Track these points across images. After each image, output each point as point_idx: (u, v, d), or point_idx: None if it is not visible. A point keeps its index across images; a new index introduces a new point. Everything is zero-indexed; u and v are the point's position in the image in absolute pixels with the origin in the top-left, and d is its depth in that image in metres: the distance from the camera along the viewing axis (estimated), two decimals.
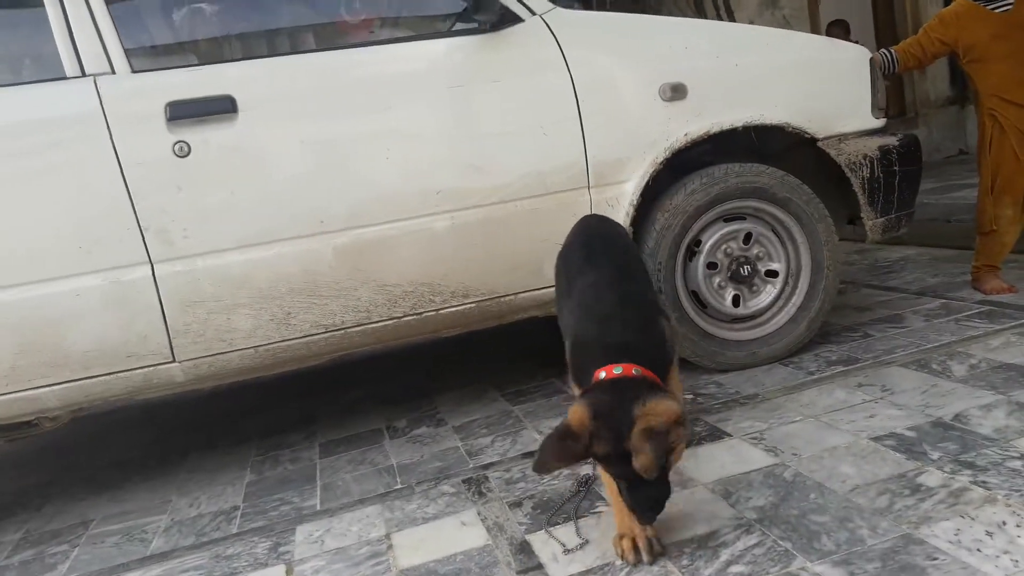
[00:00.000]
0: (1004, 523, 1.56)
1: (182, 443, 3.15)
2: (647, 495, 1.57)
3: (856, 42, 3.23)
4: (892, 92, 8.57)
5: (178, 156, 2.33)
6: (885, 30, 8.49)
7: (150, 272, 2.34)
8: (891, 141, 2.93)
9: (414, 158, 2.50)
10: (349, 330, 2.53)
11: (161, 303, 2.36)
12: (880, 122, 2.98)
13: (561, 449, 1.55)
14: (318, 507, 2.26)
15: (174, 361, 2.41)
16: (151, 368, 2.40)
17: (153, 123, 2.32)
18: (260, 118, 2.40)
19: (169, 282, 2.36)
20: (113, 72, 2.33)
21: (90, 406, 2.61)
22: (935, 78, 8.49)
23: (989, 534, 1.54)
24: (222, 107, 2.35)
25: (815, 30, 7.51)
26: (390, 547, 1.93)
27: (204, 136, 2.35)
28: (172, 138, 2.33)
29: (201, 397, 3.92)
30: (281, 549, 2.02)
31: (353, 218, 2.46)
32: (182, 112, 2.33)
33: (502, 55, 2.57)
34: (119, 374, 2.38)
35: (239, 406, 3.66)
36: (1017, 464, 1.79)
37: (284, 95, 2.45)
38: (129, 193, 2.31)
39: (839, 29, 7.07)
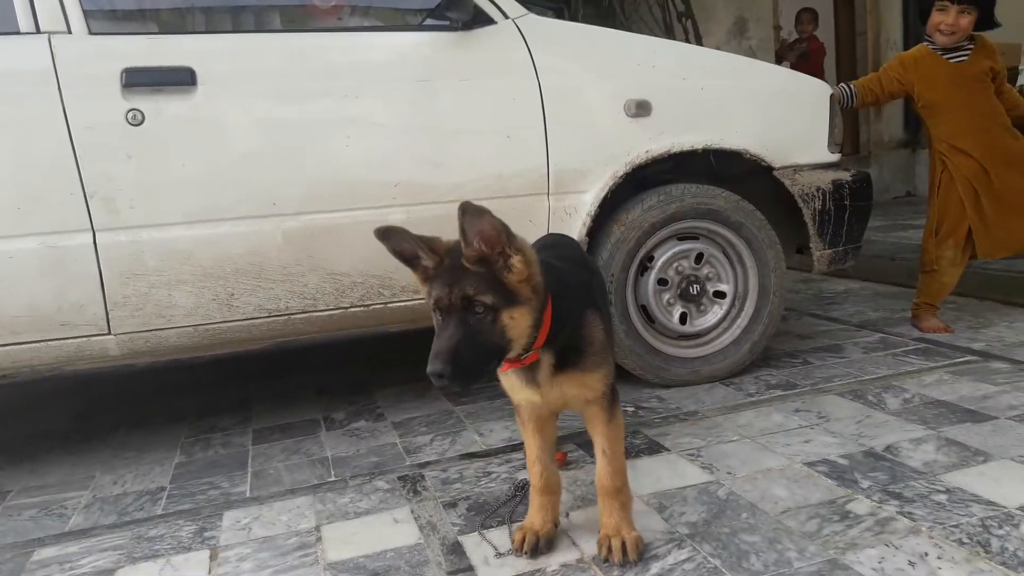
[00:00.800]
0: (926, 554, 1.60)
1: (111, 419, 3.05)
2: (443, 336, 1.43)
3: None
4: (847, 130, 8.72)
5: (131, 124, 2.27)
6: (846, 49, 8.72)
7: (91, 240, 2.27)
8: (844, 176, 3.00)
9: (374, 148, 2.47)
10: (293, 316, 2.48)
11: (101, 273, 2.29)
12: (835, 156, 3.05)
13: (408, 242, 1.50)
14: (248, 494, 2.21)
15: (109, 333, 2.34)
16: (85, 339, 2.32)
17: (107, 87, 2.25)
18: (219, 93, 2.35)
19: (111, 252, 2.29)
20: (69, 32, 2.26)
21: (16, 373, 2.51)
22: (889, 120, 8.73)
23: (911, 564, 1.57)
24: (180, 78, 2.30)
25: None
26: (319, 539, 1.89)
27: (159, 106, 2.29)
28: (126, 105, 2.26)
29: (134, 372, 3.81)
30: (207, 534, 1.97)
31: (307, 203, 2.42)
32: (138, 79, 2.26)
33: (472, 55, 2.56)
34: (50, 342, 2.29)
35: (173, 385, 3.56)
36: (942, 498, 1.83)
37: (247, 72, 2.40)
38: (76, 157, 2.23)
39: (808, 15, 7.24)
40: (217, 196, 2.36)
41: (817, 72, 6.78)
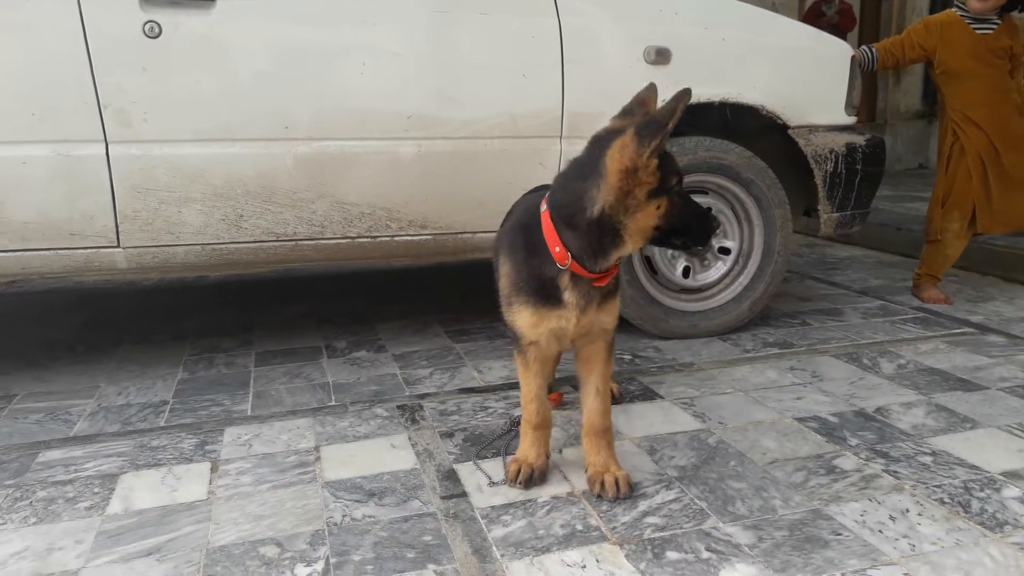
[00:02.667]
0: (907, 510, 1.65)
1: (116, 333, 3.09)
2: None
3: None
4: (865, 97, 8.69)
5: (148, 36, 2.25)
6: (871, 12, 8.59)
7: (104, 151, 2.27)
8: (859, 140, 2.98)
9: (389, 78, 2.45)
10: (300, 242, 2.50)
11: (112, 185, 2.29)
12: (851, 119, 3.04)
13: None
14: (249, 412, 2.25)
15: (118, 246, 2.35)
16: (94, 250, 2.34)
17: None
18: (239, 11, 2.32)
19: (123, 164, 2.29)
20: None
21: (26, 280, 2.54)
22: (908, 90, 8.64)
23: (892, 518, 1.62)
24: None
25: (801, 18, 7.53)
26: (318, 459, 1.94)
27: (177, 20, 2.27)
28: (144, 16, 2.24)
29: (139, 291, 3.84)
30: (208, 447, 2.02)
31: (319, 129, 2.41)
32: None
33: None
34: (60, 251, 2.31)
35: (177, 305, 3.59)
36: (927, 459, 1.88)
37: None
38: (92, 66, 2.22)
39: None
40: (230, 116, 2.35)
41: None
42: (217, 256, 2.47)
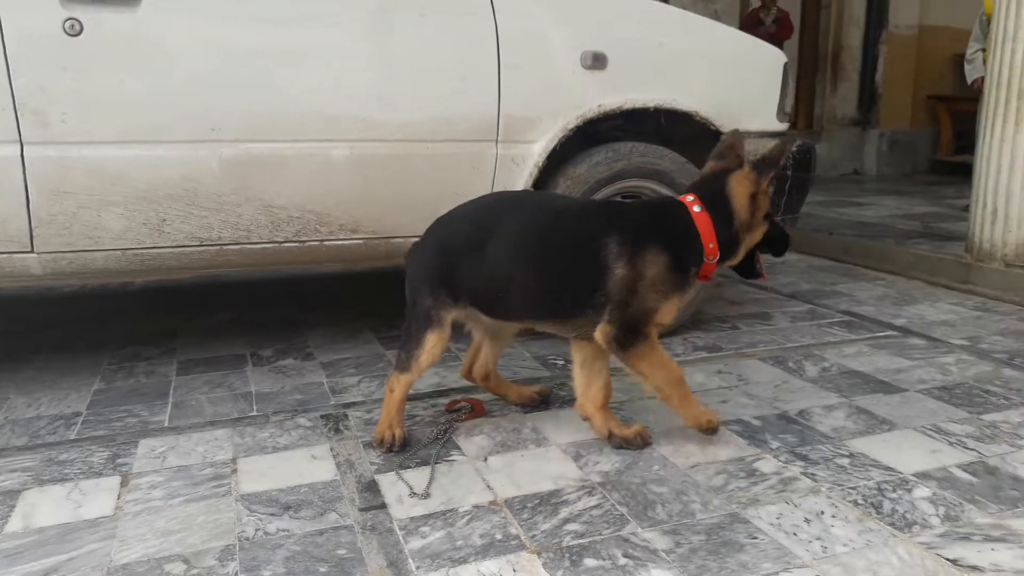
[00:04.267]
0: (822, 512, 1.67)
1: (31, 341, 2.98)
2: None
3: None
4: (803, 104, 8.91)
5: (68, 34, 2.17)
6: (811, 20, 8.78)
7: (19, 152, 2.18)
8: None
9: (321, 79, 2.41)
10: (226, 247, 2.44)
11: (27, 188, 2.21)
12: (783, 126, 3.09)
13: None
14: (166, 423, 2.19)
15: (32, 251, 2.27)
16: (6, 255, 2.25)
17: None
18: (164, 10, 2.26)
19: (39, 167, 2.21)
20: None
21: None
22: (844, 97, 8.86)
23: (807, 521, 1.64)
24: None
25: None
26: (235, 471, 1.89)
27: (99, 18, 2.19)
28: (64, 14, 2.16)
29: (58, 297, 3.72)
30: (120, 460, 1.95)
31: (246, 130, 2.36)
32: None
33: None
34: None
35: (99, 312, 3.48)
36: (845, 462, 1.91)
37: None
38: (7, 64, 2.13)
39: None
40: (154, 117, 2.28)
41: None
42: (138, 262, 2.40)
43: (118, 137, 2.27)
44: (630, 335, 1.91)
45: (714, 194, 1.98)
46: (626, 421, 2.14)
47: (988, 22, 5.22)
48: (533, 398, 2.28)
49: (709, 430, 2.01)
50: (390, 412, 2.02)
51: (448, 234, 2.03)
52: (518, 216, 1.99)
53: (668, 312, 1.95)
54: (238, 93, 2.34)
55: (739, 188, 1.95)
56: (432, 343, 1.97)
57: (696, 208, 1.96)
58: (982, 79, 5.39)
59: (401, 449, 1.99)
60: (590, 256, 1.90)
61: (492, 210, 2.04)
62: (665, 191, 2.85)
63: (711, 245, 1.95)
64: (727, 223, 1.96)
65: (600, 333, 1.93)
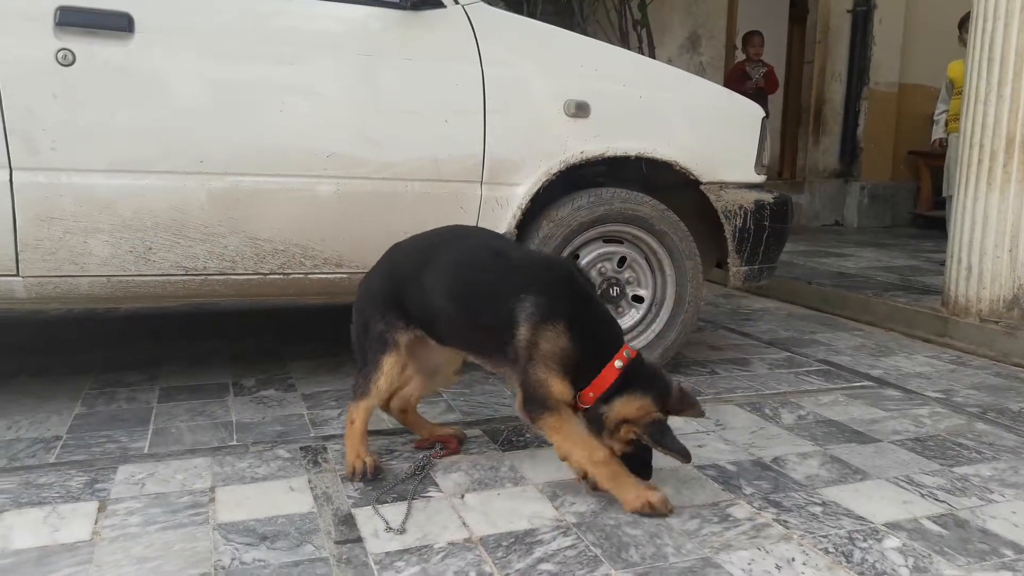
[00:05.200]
0: (793, 559, 1.69)
1: (13, 364, 2.97)
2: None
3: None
4: (787, 156, 9.09)
5: (60, 64, 2.21)
6: (795, 75, 8.98)
7: (7, 178, 2.21)
8: (767, 197, 3.11)
9: (309, 116, 2.47)
10: (210, 277, 2.46)
11: (14, 212, 2.23)
12: (761, 178, 3.16)
13: None
14: (146, 450, 2.19)
15: (17, 275, 2.28)
16: None
17: (39, 23, 2.19)
18: (157, 44, 2.31)
19: (27, 192, 2.23)
20: None
21: None
22: (826, 150, 9.03)
23: (778, 567, 1.66)
24: (117, 23, 2.25)
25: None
26: (212, 500, 1.89)
27: (92, 49, 2.24)
28: (57, 44, 2.21)
29: (42, 321, 3.71)
30: (98, 486, 1.95)
31: (234, 164, 2.40)
32: (73, 19, 2.21)
33: (418, 35, 2.58)
34: None
35: (82, 337, 3.48)
36: (817, 510, 1.94)
37: (188, 26, 2.37)
38: None
39: (758, 38, 7.41)
40: (143, 147, 2.32)
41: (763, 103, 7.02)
42: (123, 288, 2.42)
43: (107, 166, 2.30)
44: (534, 405, 1.87)
45: (644, 378, 1.88)
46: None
47: (952, 86, 5.42)
48: (447, 439, 2.26)
49: (652, 513, 1.86)
50: (354, 442, 2.04)
51: (397, 261, 2.11)
52: (458, 248, 2.05)
53: (561, 390, 1.86)
54: (227, 127, 2.39)
55: (630, 405, 1.84)
56: (390, 365, 2.01)
57: (618, 363, 1.87)
58: (940, 140, 5.60)
59: (374, 477, 2.00)
60: (505, 308, 1.89)
61: (438, 238, 2.10)
62: (645, 236, 2.91)
63: (591, 394, 1.87)
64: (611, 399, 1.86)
65: (517, 396, 1.92)
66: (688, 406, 1.94)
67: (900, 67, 8.98)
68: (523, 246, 2.50)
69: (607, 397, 1.86)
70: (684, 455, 1.83)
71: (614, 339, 1.94)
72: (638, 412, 1.84)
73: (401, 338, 2.02)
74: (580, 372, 1.87)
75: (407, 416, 2.27)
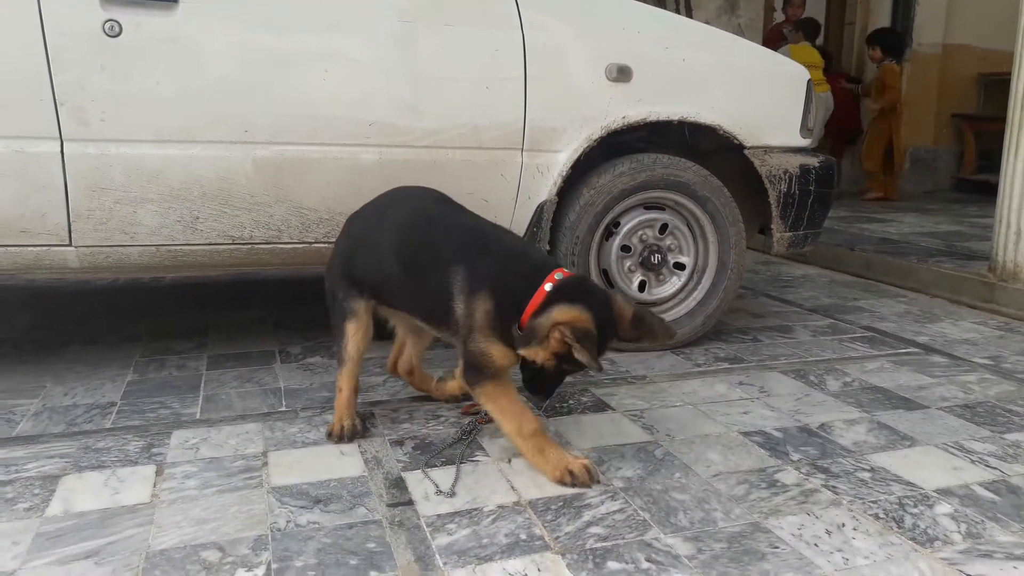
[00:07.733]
0: (843, 525, 1.69)
1: (65, 333, 3.04)
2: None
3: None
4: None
5: (108, 35, 2.23)
6: (835, 36, 8.77)
7: (59, 149, 2.24)
8: (812, 161, 3.05)
9: (352, 84, 2.47)
10: (257, 246, 2.49)
11: (66, 183, 2.27)
12: (806, 141, 3.10)
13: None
14: (198, 416, 2.24)
15: (70, 245, 2.33)
16: (44, 248, 2.31)
17: None
18: (202, 14, 2.31)
19: (78, 163, 2.27)
20: None
21: None
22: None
23: (828, 532, 1.66)
24: None
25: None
26: (265, 464, 1.93)
27: (138, 20, 2.26)
28: (104, 15, 2.22)
29: (91, 290, 3.79)
30: (154, 450, 2.00)
31: (279, 133, 2.41)
32: None
33: (459, 1, 2.55)
34: (8, 248, 2.28)
35: (130, 306, 3.55)
36: (866, 476, 1.93)
37: None
38: (48, 62, 2.19)
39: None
40: (190, 118, 2.34)
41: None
42: (171, 257, 2.46)
43: (155, 136, 2.32)
44: (472, 372, 1.86)
45: (573, 291, 1.81)
46: (647, 428, 2.17)
47: None
48: (455, 395, 2.33)
49: (573, 482, 1.81)
50: (340, 408, 2.10)
51: (349, 228, 2.16)
52: (403, 210, 2.07)
53: (501, 357, 1.84)
54: (269, 96, 2.40)
55: (564, 313, 1.75)
56: (352, 331, 2.06)
57: (548, 286, 1.82)
58: None
59: (350, 439, 2.05)
60: (442, 278, 1.90)
61: (382, 204, 2.14)
62: (688, 203, 2.88)
63: (525, 318, 1.81)
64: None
65: (459, 364, 1.92)
66: (646, 330, 1.85)
67: (944, 27, 8.72)
68: (453, 207, 2.19)
69: (539, 313, 1.79)
70: (596, 365, 1.72)
71: (540, 268, 1.88)
72: (568, 317, 1.74)
73: (358, 305, 2.07)
74: (518, 313, 1.82)
75: (413, 377, 2.35)
